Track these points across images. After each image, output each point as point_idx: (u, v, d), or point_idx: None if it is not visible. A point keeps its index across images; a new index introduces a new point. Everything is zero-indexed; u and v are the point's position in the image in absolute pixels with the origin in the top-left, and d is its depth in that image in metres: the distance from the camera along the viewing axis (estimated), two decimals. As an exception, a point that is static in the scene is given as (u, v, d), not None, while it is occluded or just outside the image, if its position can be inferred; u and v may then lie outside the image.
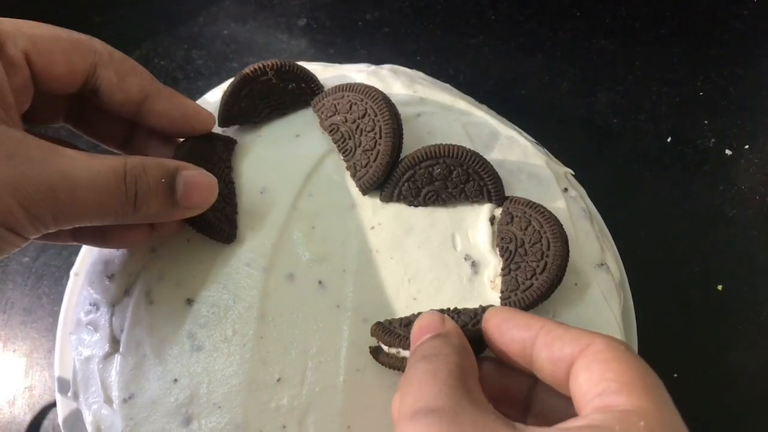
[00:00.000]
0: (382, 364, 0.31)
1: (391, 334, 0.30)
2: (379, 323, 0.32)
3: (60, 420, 0.36)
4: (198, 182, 0.30)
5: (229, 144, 0.36)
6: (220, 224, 0.33)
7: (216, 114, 0.36)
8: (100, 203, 0.26)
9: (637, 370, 0.22)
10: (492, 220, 0.35)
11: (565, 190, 0.37)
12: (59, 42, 0.28)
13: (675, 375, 0.44)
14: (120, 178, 0.27)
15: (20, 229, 0.25)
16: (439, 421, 0.21)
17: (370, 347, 0.32)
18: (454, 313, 0.32)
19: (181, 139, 0.35)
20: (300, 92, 0.37)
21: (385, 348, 0.31)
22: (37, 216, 0.25)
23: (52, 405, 0.44)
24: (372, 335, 0.32)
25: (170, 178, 0.29)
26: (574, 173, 0.40)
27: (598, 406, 0.21)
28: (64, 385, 0.36)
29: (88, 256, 0.39)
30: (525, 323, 0.25)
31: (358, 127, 0.35)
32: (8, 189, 0.24)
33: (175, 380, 0.31)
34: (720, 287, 0.48)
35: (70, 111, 0.33)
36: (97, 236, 0.32)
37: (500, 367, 0.27)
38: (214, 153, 0.35)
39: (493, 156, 0.37)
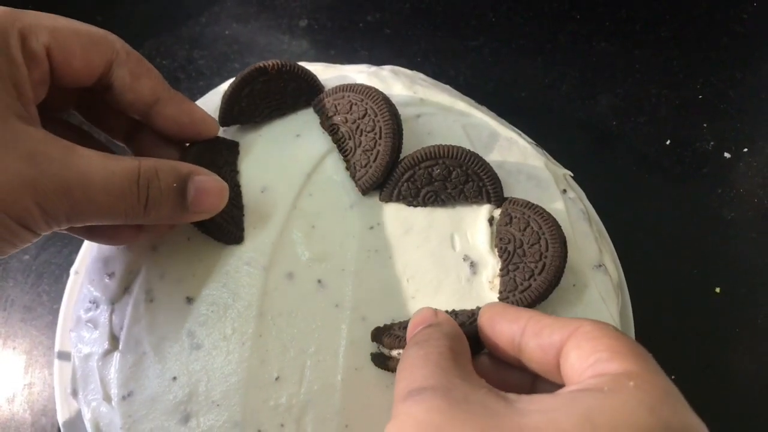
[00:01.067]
0: (383, 369, 0.31)
1: (391, 336, 0.30)
2: (378, 327, 0.32)
3: (59, 417, 0.36)
4: (209, 187, 0.30)
5: (234, 147, 0.37)
6: (227, 226, 0.33)
7: (217, 114, 0.37)
8: (113, 205, 0.27)
9: (625, 342, 0.22)
10: (491, 220, 0.35)
11: (564, 191, 0.37)
12: (79, 37, 0.29)
13: (673, 377, 0.44)
14: (133, 181, 0.27)
15: (34, 225, 0.25)
16: (431, 397, 0.21)
17: (371, 353, 0.32)
18: (452, 314, 0.32)
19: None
20: (300, 92, 0.37)
21: (386, 351, 0.31)
22: (51, 214, 0.25)
23: (52, 402, 0.44)
24: (373, 340, 0.32)
25: (182, 182, 0.29)
26: (573, 175, 0.40)
27: (591, 375, 0.21)
28: (63, 382, 0.36)
29: (88, 254, 0.39)
30: (514, 316, 0.26)
31: (358, 127, 0.35)
32: (27, 187, 0.24)
33: (174, 378, 0.32)
34: (718, 290, 0.48)
35: (81, 101, 0.33)
36: (88, 229, 0.32)
37: (502, 363, 0.27)
38: (221, 156, 0.35)
39: (492, 157, 0.37)
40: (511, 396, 0.21)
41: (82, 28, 0.29)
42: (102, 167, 0.26)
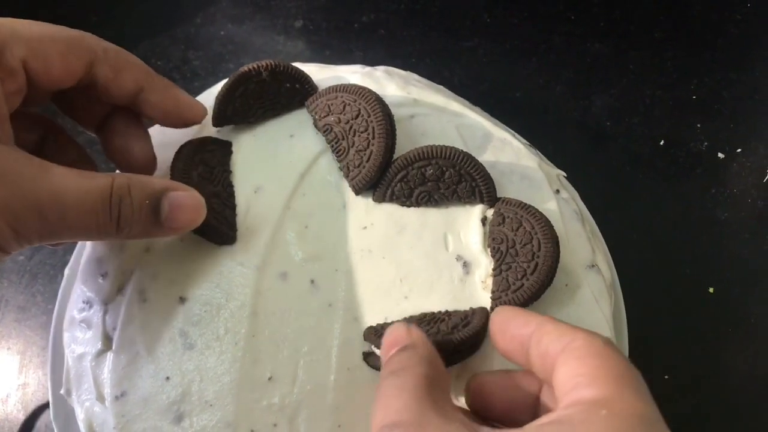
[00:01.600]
0: (376, 369, 0.31)
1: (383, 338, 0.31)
2: (371, 327, 0.32)
3: (52, 417, 0.36)
4: (184, 204, 0.30)
5: (227, 147, 0.37)
6: (220, 227, 0.33)
7: (210, 116, 0.37)
8: (85, 223, 0.26)
9: (609, 362, 0.22)
10: (484, 220, 0.35)
11: (557, 191, 0.37)
12: (55, 44, 0.28)
13: (666, 377, 0.44)
14: (105, 199, 0.27)
15: (5, 245, 0.25)
16: None
17: (363, 353, 0.32)
18: (446, 315, 0.32)
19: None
20: (294, 92, 0.37)
21: (378, 352, 0.31)
22: (22, 234, 0.25)
23: (45, 402, 0.44)
24: (365, 340, 0.32)
25: (155, 200, 0.29)
26: (566, 175, 0.40)
27: (568, 402, 0.21)
28: (57, 383, 0.36)
29: (82, 254, 0.39)
30: (524, 321, 0.26)
31: (351, 127, 0.35)
32: None
33: (167, 378, 0.32)
34: (711, 290, 0.48)
35: (56, 93, 0.33)
36: None
37: (507, 375, 0.27)
38: (213, 157, 0.35)
39: (485, 157, 0.37)
40: (484, 430, 0.21)
41: (58, 34, 0.29)
42: (75, 185, 0.26)
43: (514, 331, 0.26)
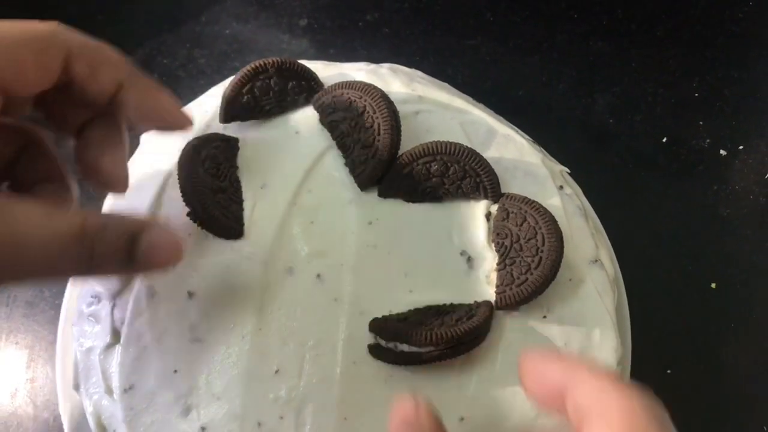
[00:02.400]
0: (380, 360, 0.32)
1: (388, 329, 0.31)
2: (376, 319, 0.32)
3: (61, 410, 0.36)
4: (161, 244, 0.27)
5: (233, 144, 0.37)
6: (227, 221, 0.34)
7: (217, 113, 0.37)
8: (53, 265, 0.25)
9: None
10: (488, 216, 0.35)
11: (561, 187, 0.38)
12: (29, 46, 0.26)
13: (668, 371, 0.44)
14: (77, 240, 0.25)
15: None
16: None
17: (368, 345, 0.32)
18: (450, 308, 0.32)
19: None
20: (300, 90, 0.38)
21: (383, 343, 0.31)
22: None
23: (54, 396, 0.44)
24: (370, 331, 0.32)
25: (130, 239, 0.26)
26: (569, 171, 0.40)
27: None
28: (65, 376, 0.37)
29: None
30: (558, 367, 0.24)
31: (357, 124, 0.35)
32: None
33: (175, 371, 0.32)
34: (714, 285, 0.48)
35: (37, 100, 0.30)
36: None
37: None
38: (220, 153, 0.36)
39: (489, 154, 0.37)
40: None
41: (29, 34, 0.26)
42: (40, 226, 0.24)
43: (546, 379, 0.24)
